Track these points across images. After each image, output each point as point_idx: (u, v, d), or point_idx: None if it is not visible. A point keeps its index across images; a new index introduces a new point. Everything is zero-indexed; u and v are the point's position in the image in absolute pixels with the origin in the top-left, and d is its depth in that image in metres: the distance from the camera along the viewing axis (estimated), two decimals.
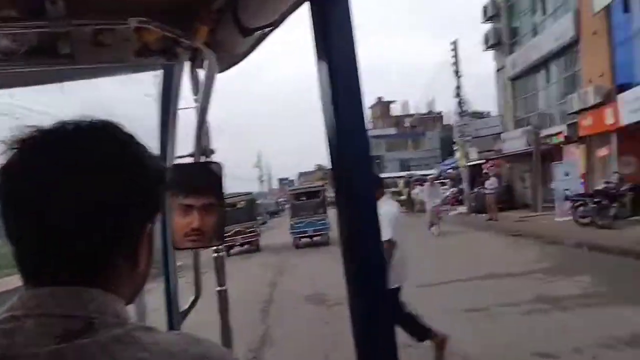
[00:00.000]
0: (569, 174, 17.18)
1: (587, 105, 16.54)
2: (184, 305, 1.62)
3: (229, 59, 1.39)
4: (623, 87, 15.30)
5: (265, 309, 8.11)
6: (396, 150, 72.81)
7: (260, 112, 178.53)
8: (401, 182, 54.14)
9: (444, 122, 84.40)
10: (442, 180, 27.47)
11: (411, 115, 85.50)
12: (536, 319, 5.69)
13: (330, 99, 0.86)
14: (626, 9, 15.21)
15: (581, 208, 14.20)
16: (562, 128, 19.56)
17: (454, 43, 26.27)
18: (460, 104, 25.25)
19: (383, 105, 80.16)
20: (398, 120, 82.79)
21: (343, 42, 0.87)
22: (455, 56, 26.05)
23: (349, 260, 0.87)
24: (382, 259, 0.94)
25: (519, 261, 9.53)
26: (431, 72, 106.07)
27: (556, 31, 19.63)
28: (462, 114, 25.23)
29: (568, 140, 19.60)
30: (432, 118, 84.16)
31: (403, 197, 31.78)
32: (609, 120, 15.27)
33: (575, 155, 20.61)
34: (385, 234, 4.17)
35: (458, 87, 25.71)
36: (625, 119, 14.20)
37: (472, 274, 8.42)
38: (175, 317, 1.61)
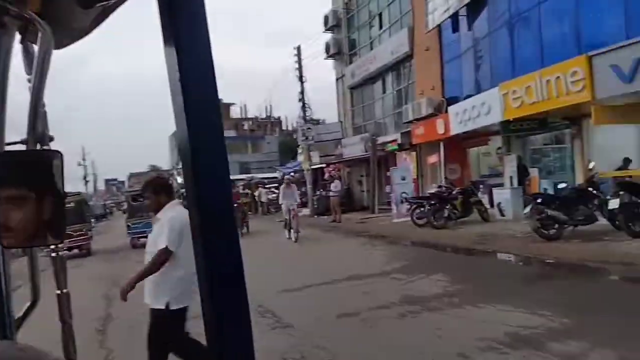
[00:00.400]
0: (405, 178, 18.46)
1: (420, 115, 17.95)
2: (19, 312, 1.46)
3: (67, 35, 1.33)
4: (451, 100, 16.95)
5: (103, 329, 6.79)
6: (236, 152, 72.38)
7: (84, 105, 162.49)
8: (241, 185, 53.76)
9: (283, 127, 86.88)
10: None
11: (251, 119, 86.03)
12: (411, 322, 5.58)
13: (180, 91, 0.80)
14: (454, 29, 16.88)
15: (418, 210, 15.24)
16: (397, 136, 20.98)
17: (298, 49, 26.62)
18: (304, 108, 25.65)
19: (223, 107, 78.56)
20: (237, 123, 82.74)
21: (195, 27, 0.82)
22: (299, 62, 26.41)
23: (201, 260, 0.84)
24: (236, 259, 0.85)
25: (376, 261, 9.65)
26: (272, 78, 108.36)
27: (392, 45, 21.04)
28: (305, 118, 25.65)
29: (401, 147, 21.13)
30: (271, 123, 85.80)
31: (246, 200, 31.35)
32: (440, 130, 16.73)
33: (407, 161, 22.37)
34: (162, 242, 3.73)
35: (302, 92, 26.09)
36: (454, 130, 15.64)
37: (334, 276, 8.21)
38: (9, 325, 1.48)
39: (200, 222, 0.82)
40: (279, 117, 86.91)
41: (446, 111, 16.58)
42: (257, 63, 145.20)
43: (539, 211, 10.36)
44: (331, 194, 19.66)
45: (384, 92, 23.48)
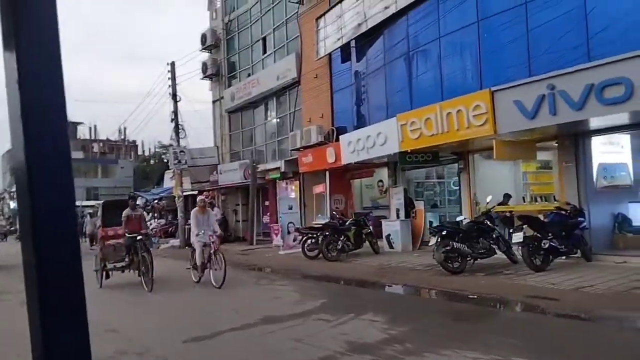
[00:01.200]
0: (292, 207, 17.59)
1: (310, 143, 17.38)
2: None
3: None
4: (341, 130, 16.68)
5: None
6: (83, 176, 65.75)
7: None
8: (87, 214, 48.44)
9: (139, 152, 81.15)
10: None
11: (102, 141, 78.98)
12: None
13: (19, 103, 0.73)
14: (345, 59, 16.80)
15: (309, 241, 14.41)
16: (280, 164, 20.16)
17: (172, 65, 24.65)
18: (177, 129, 23.58)
19: (69, 126, 70.98)
20: (86, 145, 75.49)
21: (41, 33, 0.75)
22: (173, 79, 24.42)
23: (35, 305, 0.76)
24: (79, 304, 0.78)
25: (287, 299, 8.46)
26: (128, 99, 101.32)
27: (278, 70, 20.42)
28: (179, 140, 23.57)
29: (285, 176, 20.34)
30: (126, 146, 79.69)
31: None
32: (330, 159, 16.28)
33: (288, 191, 21.60)
34: None
35: (175, 112, 24.04)
36: (346, 159, 15.27)
37: (247, 319, 6.84)
38: None
39: (36, 254, 0.73)
40: (134, 141, 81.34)
41: (337, 140, 16.23)
42: (110, 81, 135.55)
43: (445, 244, 10.19)
44: None
45: (266, 118, 22.64)
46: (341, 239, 13.78)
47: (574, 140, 10.72)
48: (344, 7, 15.60)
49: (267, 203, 22.83)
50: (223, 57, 25.24)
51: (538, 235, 9.69)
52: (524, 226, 9.78)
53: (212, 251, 10.48)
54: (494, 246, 10.60)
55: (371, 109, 15.05)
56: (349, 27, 15.31)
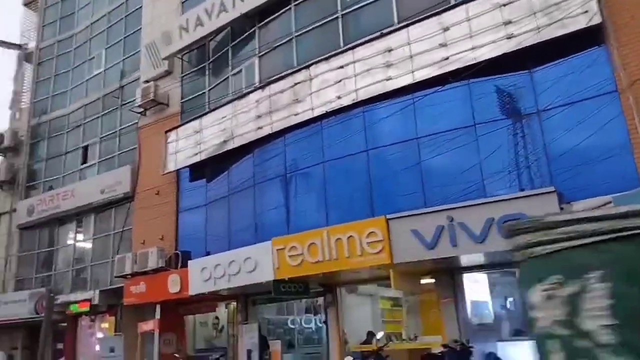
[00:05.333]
0: (114, 350, 13.83)
1: (146, 268, 14.54)
2: None
3: None
4: (185, 255, 14.48)
5: None
6: None
7: None
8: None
9: None
10: None
11: None
12: None
13: None
14: (195, 177, 15.32)
15: None
16: (91, 295, 16.36)
17: None
18: None
19: None
20: None
21: None
22: None
23: None
24: None
25: None
26: None
27: (103, 183, 17.59)
28: None
29: (95, 310, 16.45)
30: None
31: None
32: (173, 288, 13.68)
33: (95, 329, 17.44)
34: None
35: None
36: (196, 289, 13.00)
37: None
38: None
39: None
40: None
41: (183, 266, 13.90)
42: None
43: None
44: None
45: (77, 238, 18.74)
46: None
47: (450, 275, 10.87)
48: (204, 122, 14.56)
49: (60, 346, 17.92)
50: (24, 163, 21.01)
51: None
52: None
53: None
54: None
55: (234, 232, 13.49)
56: (211, 143, 14.15)
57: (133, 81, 18.21)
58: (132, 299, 14.82)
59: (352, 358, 10.41)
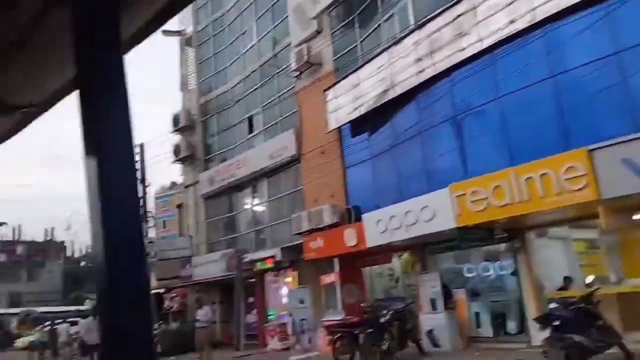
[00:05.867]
0: (303, 301, 14.78)
1: (321, 225, 15.10)
2: None
3: None
4: (356, 210, 14.66)
5: None
6: (5, 281, 58.43)
7: None
8: (15, 321, 41.86)
9: (68, 254, 74.03)
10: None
11: (26, 242, 71.38)
12: None
13: (99, 204, 0.79)
14: (358, 132, 15.23)
15: (339, 342, 11.66)
16: (274, 252, 17.53)
17: (141, 147, 22.14)
18: (145, 216, 20.54)
19: None
20: (9, 247, 67.79)
21: (117, 139, 0.82)
22: (142, 162, 21.79)
23: None
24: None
25: None
26: (53, 198, 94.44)
27: (271, 148, 18.50)
28: (147, 231, 20.48)
29: (279, 265, 17.65)
30: (53, 247, 72.58)
31: (33, 338, 22.96)
32: (350, 241, 13.98)
33: (279, 283, 18.77)
34: None
35: (143, 198, 21.13)
36: (373, 241, 13.08)
37: None
38: None
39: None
40: (62, 242, 74.54)
41: (357, 220, 14.10)
42: (33, 181, 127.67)
43: (558, 338, 8.00)
44: (198, 324, 14.52)
45: (254, 201, 20.22)
46: (384, 337, 11.18)
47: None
48: (361, 75, 14.29)
49: (250, 300, 19.72)
50: (199, 139, 23.11)
51: None
52: None
53: None
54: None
55: (404, 182, 13.22)
56: (370, 95, 13.88)
57: (286, 47, 18.59)
58: (312, 254, 15.54)
59: (556, 304, 9.53)
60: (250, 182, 19.92)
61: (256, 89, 20.34)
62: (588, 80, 9.27)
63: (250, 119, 20.68)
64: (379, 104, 13.61)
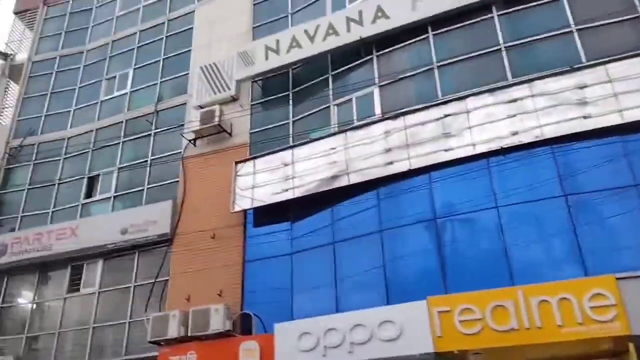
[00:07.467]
0: None
1: (205, 332, 10.83)
2: None
3: None
4: (257, 318, 11.16)
5: None
6: None
7: None
8: None
9: None
10: None
11: None
12: None
13: None
14: (266, 220, 12.40)
15: None
16: None
17: None
18: None
19: None
20: None
21: None
22: None
23: None
24: None
25: None
26: None
27: (124, 220, 13.89)
28: None
29: None
30: None
31: None
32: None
33: None
34: None
35: None
36: None
37: None
38: None
39: None
40: None
41: (249, 332, 10.55)
42: None
43: None
44: None
45: (70, 291, 14.25)
46: None
47: None
48: (299, 154, 12.01)
49: None
50: None
51: None
52: None
53: None
54: None
55: (345, 288, 10.49)
56: (310, 179, 11.53)
57: (176, 106, 15.36)
58: None
59: None
60: (71, 261, 14.29)
61: (113, 144, 15.90)
62: (604, 206, 8.88)
63: (91, 179, 15.72)
64: (321, 190, 11.30)
